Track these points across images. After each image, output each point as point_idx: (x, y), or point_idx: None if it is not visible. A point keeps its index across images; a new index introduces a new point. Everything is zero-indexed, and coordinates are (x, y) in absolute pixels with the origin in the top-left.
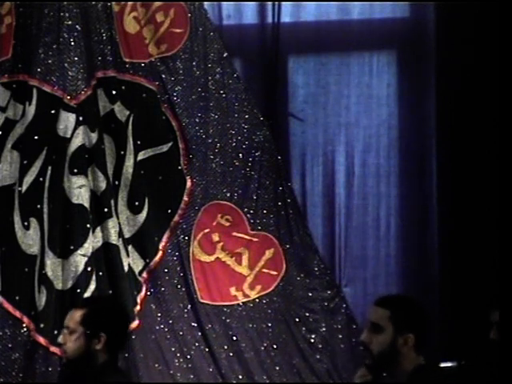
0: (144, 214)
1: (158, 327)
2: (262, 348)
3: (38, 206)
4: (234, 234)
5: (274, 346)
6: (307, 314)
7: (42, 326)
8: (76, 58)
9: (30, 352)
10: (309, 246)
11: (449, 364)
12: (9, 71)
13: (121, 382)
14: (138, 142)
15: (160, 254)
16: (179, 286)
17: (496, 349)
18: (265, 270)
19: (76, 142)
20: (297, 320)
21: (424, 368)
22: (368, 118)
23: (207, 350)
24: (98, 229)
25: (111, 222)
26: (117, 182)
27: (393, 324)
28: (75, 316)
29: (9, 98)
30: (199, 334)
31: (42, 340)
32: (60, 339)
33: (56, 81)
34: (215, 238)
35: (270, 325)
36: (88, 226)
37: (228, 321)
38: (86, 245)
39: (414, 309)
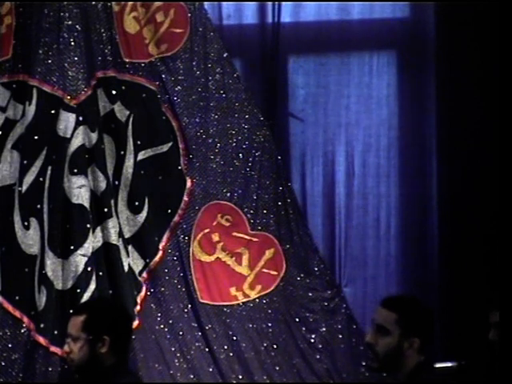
0: (144, 214)
1: (157, 327)
2: (262, 348)
3: (38, 206)
4: (234, 234)
5: (274, 346)
6: (307, 314)
7: (42, 326)
8: (76, 58)
9: (29, 352)
10: (309, 245)
11: (449, 364)
12: (9, 71)
13: (129, 382)
14: (138, 142)
15: (160, 253)
16: (179, 286)
17: (495, 349)
18: (265, 270)
19: (76, 142)
20: (297, 320)
21: (422, 367)
22: (368, 118)
23: (207, 349)
24: (98, 229)
25: (111, 222)
26: (117, 182)
27: (399, 328)
28: (76, 323)
29: (9, 98)
30: (199, 333)
31: (42, 340)
32: (65, 348)
33: (56, 81)
34: (215, 237)
35: (270, 325)
36: (88, 225)
37: (228, 321)
38: (86, 245)
39: (420, 312)
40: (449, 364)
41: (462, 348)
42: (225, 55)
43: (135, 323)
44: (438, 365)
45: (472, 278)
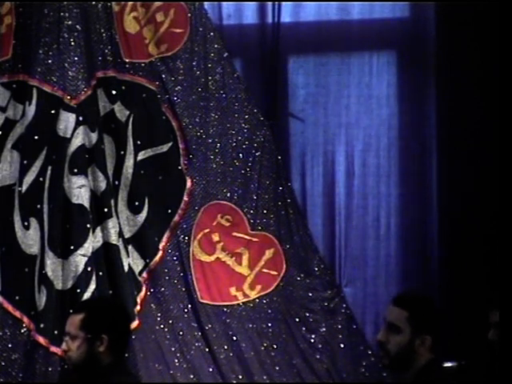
0: (144, 213)
1: (157, 327)
2: (262, 348)
3: (38, 206)
4: (234, 234)
5: (274, 346)
6: (307, 314)
7: (41, 326)
8: (76, 58)
9: (29, 352)
10: (309, 245)
11: (449, 364)
12: (9, 71)
13: (127, 382)
14: (138, 142)
15: (160, 253)
16: (179, 286)
17: (494, 349)
18: (265, 270)
19: (76, 142)
20: (297, 320)
21: (432, 365)
22: (368, 118)
23: (207, 350)
24: (98, 229)
25: (111, 222)
26: (117, 182)
27: (410, 325)
28: (75, 321)
29: (9, 98)
30: (199, 333)
31: (41, 340)
32: (63, 346)
33: (56, 81)
34: (215, 237)
35: (270, 325)
36: (88, 225)
37: (228, 321)
38: (86, 245)
39: (431, 310)
40: (449, 364)
41: (461, 348)
42: (225, 55)
43: (135, 323)
44: None
45: (472, 278)
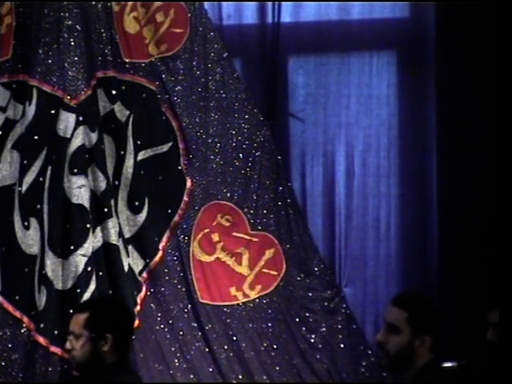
0: (144, 213)
1: (157, 327)
2: (262, 348)
3: (38, 206)
4: (234, 234)
5: (274, 346)
6: (307, 314)
7: (41, 326)
8: (76, 58)
9: (30, 352)
10: (309, 245)
11: (449, 364)
12: (9, 71)
13: (130, 382)
14: (138, 142)
15: (160, 253)
16: (179, 286)
17: (493, 349)
18: (265, 270)
19: (76, 142)
20: (297, 320)
21: (431, 365)
22: (368, 118)
23: (207, 350)
24: (98, 229)
25: (111, 222)
26: (117, 182)
27: (410, 326)
28: (79, 320)
29: (9, 98)
30: (199, 333)
31: (41, 340)
32: (67, 345)
33: (56, 81)
34: (215, 237)
35: (270, 325)
36: (88, 225)
37: (228, 321)
38: (85, 245)
39: (431, 310)
40: (449, 364)
41: (461, 348)
42: (225, 55)
43: (135, 323)
44: None
45: (472, 278)
